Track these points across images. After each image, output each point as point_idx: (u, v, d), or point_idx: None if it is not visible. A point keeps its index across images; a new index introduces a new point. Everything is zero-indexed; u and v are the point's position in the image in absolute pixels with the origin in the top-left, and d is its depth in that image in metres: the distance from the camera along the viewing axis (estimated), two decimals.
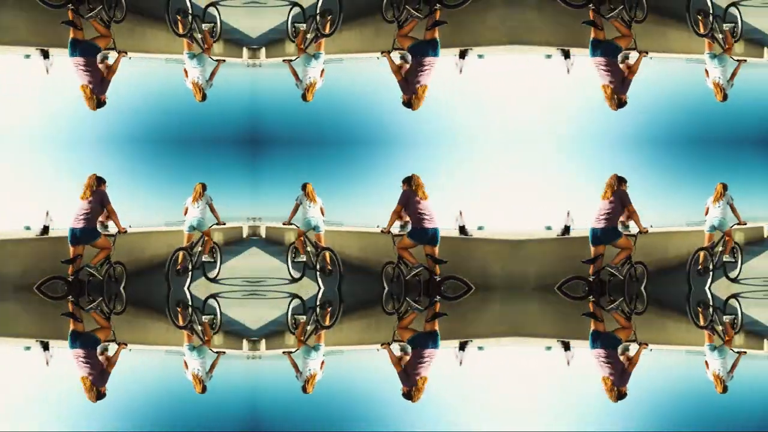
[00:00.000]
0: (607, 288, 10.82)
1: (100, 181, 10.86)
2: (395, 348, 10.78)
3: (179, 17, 11.00)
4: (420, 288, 10.77)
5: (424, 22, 10.96)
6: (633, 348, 10.80)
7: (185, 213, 10.93)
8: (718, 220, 10.89)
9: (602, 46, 10.95)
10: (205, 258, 10.90)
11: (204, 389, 10.76)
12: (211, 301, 10.90)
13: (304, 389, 10.68)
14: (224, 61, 11.01)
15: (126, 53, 11.02)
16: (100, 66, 10.98)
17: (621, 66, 10.96)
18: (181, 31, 11.02)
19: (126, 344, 10.84)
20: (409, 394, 10.70)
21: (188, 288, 10.87)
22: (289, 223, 10.88)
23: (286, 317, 10.85)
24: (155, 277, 10.90)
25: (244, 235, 10.95)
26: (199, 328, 10.82)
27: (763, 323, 10.88)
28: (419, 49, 10.94)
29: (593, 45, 10.95)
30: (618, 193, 10.80)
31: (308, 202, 10.86)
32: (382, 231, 10.86)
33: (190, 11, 10.99)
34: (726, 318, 10.83)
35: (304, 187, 10.86)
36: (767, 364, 10.87)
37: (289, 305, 10.88)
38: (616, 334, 10.86)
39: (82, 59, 10.96)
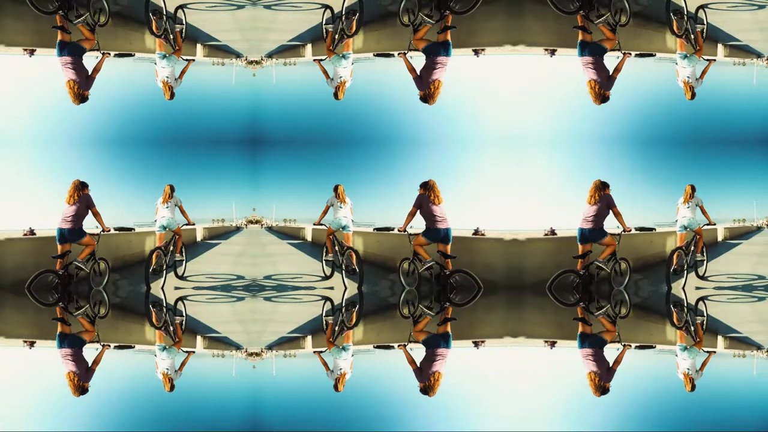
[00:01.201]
0: (595, 288, 11.11)
1: (83, 185, 11.08)
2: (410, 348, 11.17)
3: (154, 18, 11.22)
4: (432, 282, 11.15)
5: (436, 26, 11.35)
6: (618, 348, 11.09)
7: (156, 214, 11.13)
8: (688, 220, 11.10)
9: (589, 46, 11.25)
10: (177, 257, 11.12)
11: (172, 388, 10.95)
12: (183, 302, 11.07)
13: (336, 388, 11.00)
14: (194, 60, 11.22)
15: (110, 54, 11.25)
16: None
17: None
18: (155, 31, 11.24)
19: (109, 345, 11.01)
20: (426, 389, 11.04)
21: (162, 288, 11.08)
22: (320, 224, 11.13)
23: (322, 318, 11.16)
24: (133, 275, 11.11)
25: (198, 238, 11.14)
26: (172, 328, 11.05)
27: (721, 321, 11.15)
28: (433, 49, 11.29)
29: (581, 46, 11.24)
30: (603, 197, 11.06)
31: (339, 202, 11.08)
32: (398, 230, 11.18)
33: (164, 12, 11.22)
34: (698, 319, 11.07)
35: (335, 188, 11.07)
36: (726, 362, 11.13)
37: (322, 307, 11.17)
38: (602, 336, 11.12)
39: (70, 58, 11.20)
